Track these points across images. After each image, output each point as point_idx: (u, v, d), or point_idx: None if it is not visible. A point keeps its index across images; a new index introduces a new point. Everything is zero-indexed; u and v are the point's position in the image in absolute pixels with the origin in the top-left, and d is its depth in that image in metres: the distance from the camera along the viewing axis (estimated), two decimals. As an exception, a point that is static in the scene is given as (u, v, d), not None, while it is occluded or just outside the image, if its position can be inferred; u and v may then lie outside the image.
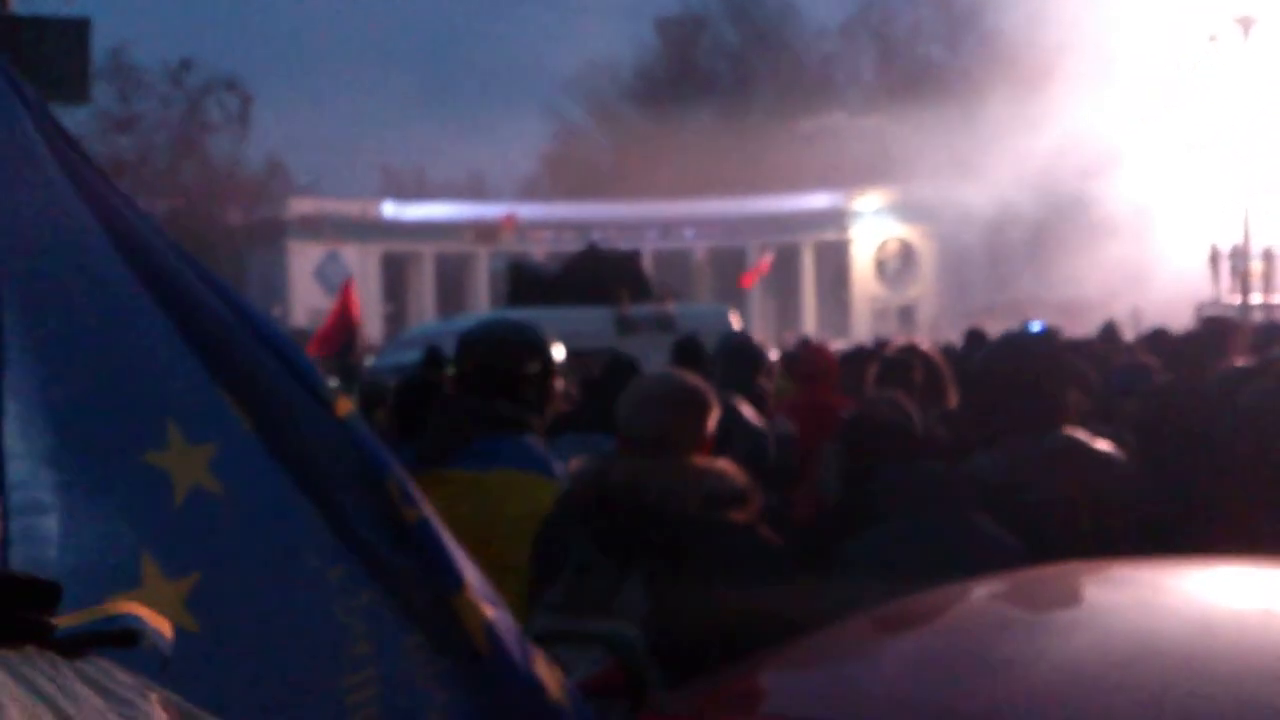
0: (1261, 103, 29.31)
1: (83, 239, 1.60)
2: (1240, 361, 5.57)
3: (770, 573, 2.56)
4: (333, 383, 2.29)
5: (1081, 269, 33.38)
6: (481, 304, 41.49)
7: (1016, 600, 2.34)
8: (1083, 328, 15.02)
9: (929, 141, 38.68)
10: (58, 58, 6.37)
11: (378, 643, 1.70)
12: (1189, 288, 27.62)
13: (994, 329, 7.19)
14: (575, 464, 2.77)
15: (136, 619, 0.68)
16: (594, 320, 12.14)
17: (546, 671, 1.90)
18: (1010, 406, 3.45)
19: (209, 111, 43.12)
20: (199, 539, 1.59)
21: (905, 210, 45.12)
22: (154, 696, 0.66)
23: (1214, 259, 28.63)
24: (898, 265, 47.10)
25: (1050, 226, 37.39)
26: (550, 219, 46.65)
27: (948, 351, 7.68)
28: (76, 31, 6.72)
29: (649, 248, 37.66)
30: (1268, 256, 27.71)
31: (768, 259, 38.52)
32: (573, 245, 28.44)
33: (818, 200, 46.11)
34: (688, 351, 6.07)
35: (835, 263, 47.65)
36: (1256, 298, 26.34)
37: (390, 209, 47.07)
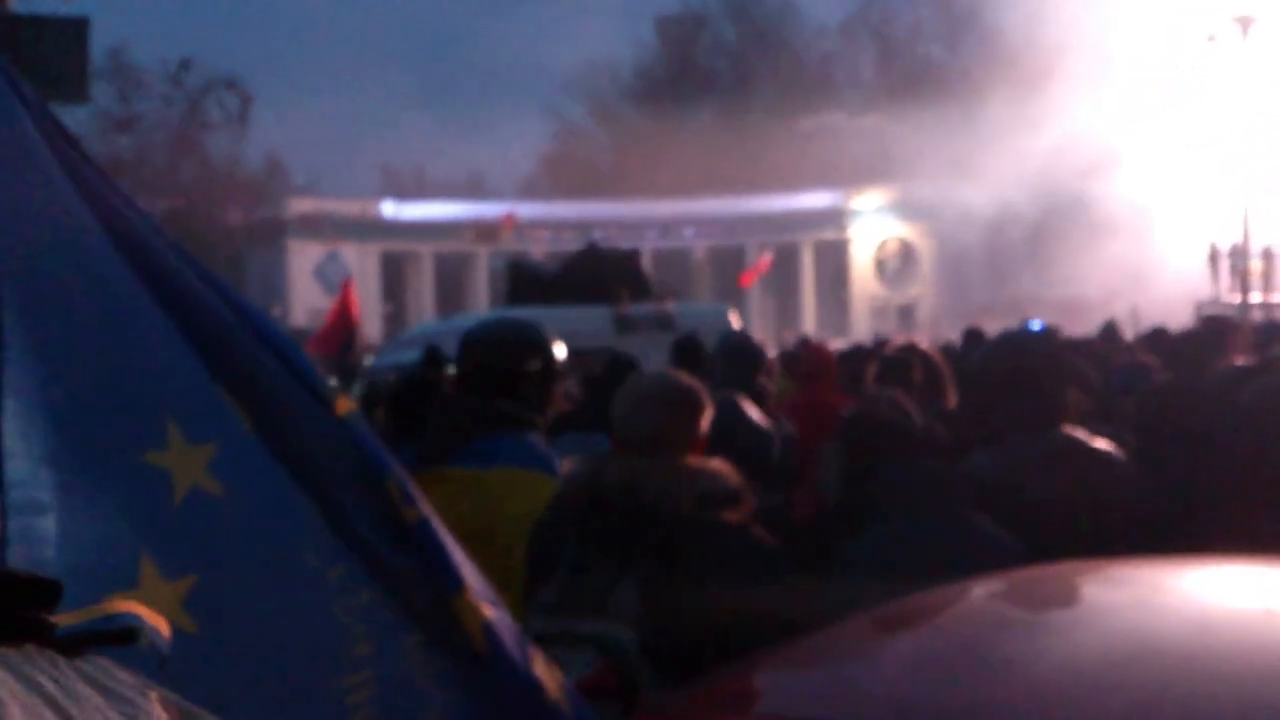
0: (1260, 102, 29.33)
1: (83, 239, 1.59)
2: (1240, 360, 5.56)
3: (764, 573, 2.56)
4: (332, 382, 2.29)
5: (1081, 268, 33.40)
6: (481, 303, 41.47)
7: (1016, 600, 2.34)
8: (1082, 327, 15.01)
9: (929, 141, 38.65)
10: (57, 57, 6.38)
11: (377, 643, 1.70)
12: (1188, 287, 27.66)
13: (993, 328, 7.19)
14: (568, 465, 2.77)
15: (135, 617, 0.69)
16: (593, 319, 12.14)
17: (546, 672, 1.90)
18: (1009, 405, 3.44)
19: (209, 111, 43.23)
20: (197, 540, 1.59)
21: (905, 209, 45.10)
22: (154, 695, 0.66)
23: (1213, 258, 28.67)
24: (897, 264, 47.08)
25: (1050, 226, 37.41)
26: (550, 218, 46.61)
27: (947, 350, 7.67)
28: (75, 31, 6.73)
29: (648, 247, 37.65)
30: (1267, 255, 27.73)
31: (767, 258, 38.55)
32: (572, 244, 28.40)
33: (817, 199, 46.06)
34: (687, 351, 6.07)
35: (835, 262, 47.63)
36: (1256, 297, 26.33)
37: (390, 208, 47.03)
